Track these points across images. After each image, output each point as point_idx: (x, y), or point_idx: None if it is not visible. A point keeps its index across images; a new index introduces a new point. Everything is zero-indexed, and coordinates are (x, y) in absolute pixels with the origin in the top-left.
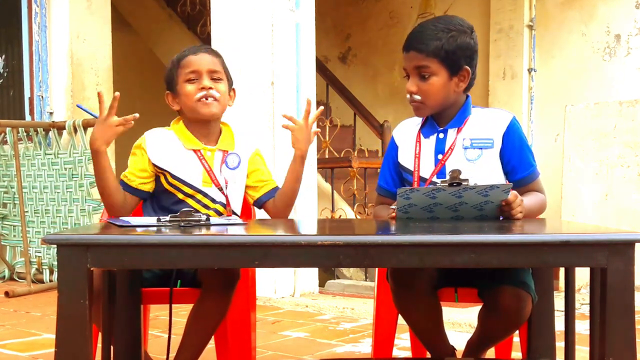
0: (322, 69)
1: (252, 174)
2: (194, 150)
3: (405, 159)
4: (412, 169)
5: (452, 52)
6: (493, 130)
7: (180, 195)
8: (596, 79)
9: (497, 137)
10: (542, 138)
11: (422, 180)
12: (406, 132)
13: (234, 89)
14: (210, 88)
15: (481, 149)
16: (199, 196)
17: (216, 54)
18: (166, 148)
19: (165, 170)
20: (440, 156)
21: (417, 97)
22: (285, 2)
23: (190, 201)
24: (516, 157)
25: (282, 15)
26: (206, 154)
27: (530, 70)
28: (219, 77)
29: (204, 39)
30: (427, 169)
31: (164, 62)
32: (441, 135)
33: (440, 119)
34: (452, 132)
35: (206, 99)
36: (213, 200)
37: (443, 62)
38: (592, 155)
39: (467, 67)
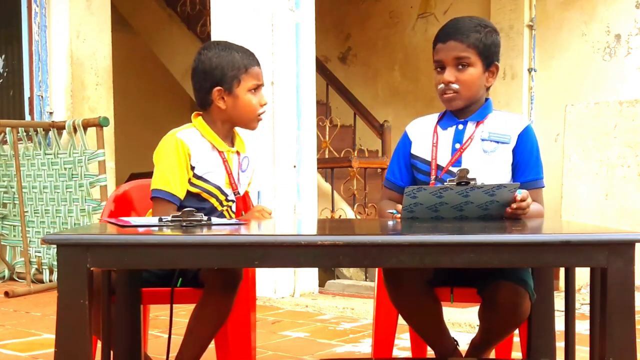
0: (322, 69)
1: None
2: (219, 152)
3: (421, 150)
4: (428, 158)
5: (488, 47)
6: (511, 128)
7: (205, 195)
8: (596, 79)
9: (514, 135)
10: (542, 138)
11: (439, 168)
12: (421, 126)
13: None
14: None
15: (498, 142)
16: (221, 196)
17: None
18: (200, 151)
19: (200, 175)
20: (457, 145)
21: (455, 86)
22: (285, 2)
23: (213, 200)
24: (525, 160)
25: (282, 15)
26: (229, 155)
27: (530, 70)
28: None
29: (204, 39)
30: (444, 158)
31: (164, 62)
32: (460, 127)
33: (460, 113)
34: (471, 125)
35: (260, 116)
36: (226, 199)
37: (480, 54)
38: (592, 155)
39: (497, 64)
